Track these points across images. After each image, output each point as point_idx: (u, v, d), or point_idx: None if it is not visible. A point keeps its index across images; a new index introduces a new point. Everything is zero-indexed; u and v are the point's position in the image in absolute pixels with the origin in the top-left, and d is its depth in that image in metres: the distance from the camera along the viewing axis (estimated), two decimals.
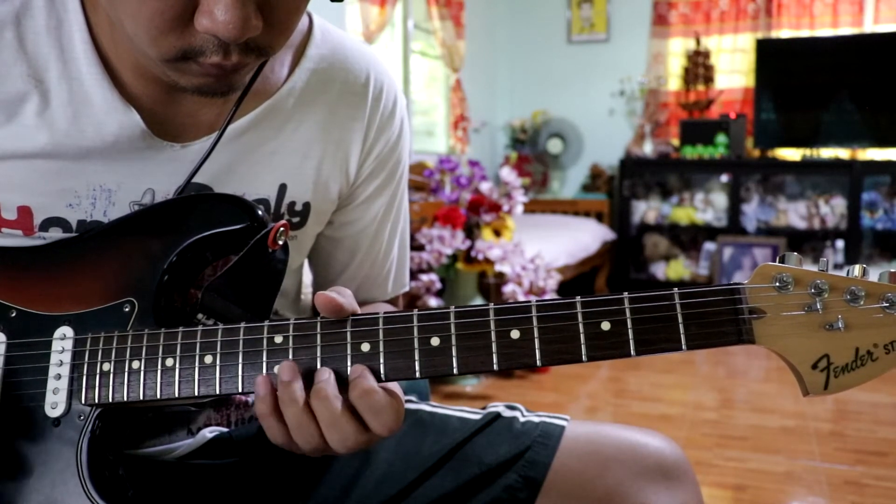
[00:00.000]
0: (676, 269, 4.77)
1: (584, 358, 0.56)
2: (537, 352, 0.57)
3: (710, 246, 4.68)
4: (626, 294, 0.57)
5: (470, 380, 2.99)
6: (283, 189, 0.75)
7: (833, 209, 4.49)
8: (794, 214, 4.57)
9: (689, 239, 4.88)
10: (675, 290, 0.56)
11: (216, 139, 0.69)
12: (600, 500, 0.75)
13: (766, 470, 2.21)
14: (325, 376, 0.58)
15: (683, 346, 0.55)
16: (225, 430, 0.78)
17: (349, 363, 0.59)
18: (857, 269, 0.55)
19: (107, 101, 0.66)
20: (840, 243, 4.39)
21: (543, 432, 0.79)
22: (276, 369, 0.59)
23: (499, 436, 0.81)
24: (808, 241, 4.57)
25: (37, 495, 0.61)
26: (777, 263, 0.56)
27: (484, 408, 0.85)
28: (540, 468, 0.77)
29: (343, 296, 0.60)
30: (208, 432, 0.77)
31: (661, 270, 4.81)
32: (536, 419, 0.82)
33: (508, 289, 2.92)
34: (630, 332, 0.56)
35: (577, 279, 4.26)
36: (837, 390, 0.54)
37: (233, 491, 0.78)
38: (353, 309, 0.60)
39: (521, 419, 0.82)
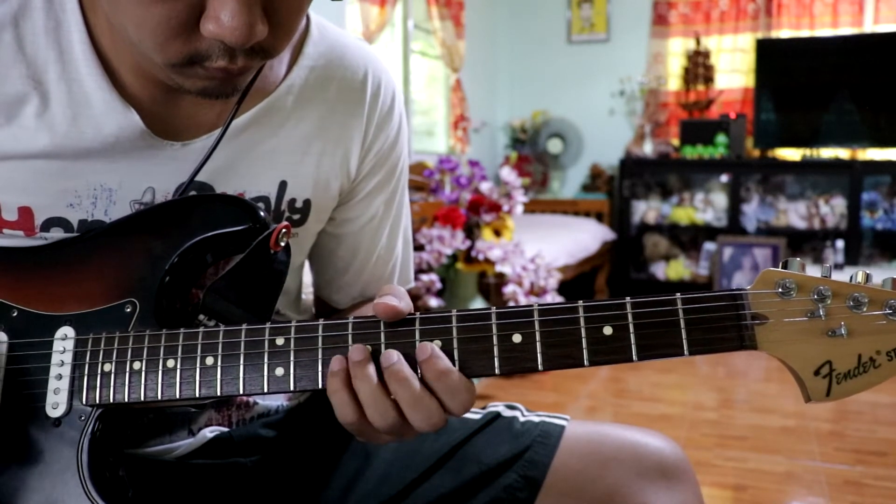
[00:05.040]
0: (676, 269, 4.77)
1: (585, 363, 0.56)
2: (539, 356, 0.57)
3: (710, 246, 4.68)
4: (628, 299, 0.57)
5: None
6: (283, 186, 0.75)
7: (833, 209, 4.48)
8: (794, 214, 4.57)
9: (689, 239, 4.87)
10: (678, 295, 0.56)
11: (219, 137, 0.69)
12: (600, 500, 0.75)
13: (766, 470, 2.21)
14: (395, 358, 0.57)
15: (686, 352, 0.55)
16: (225, 429, 0.78)
17: None
18: (860, 276, 0.55)
19: (106, 101, 0.66)
20: (840, 243, 4.39)
21: (543, 432, 0.79)
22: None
23: (499, 435, 0.81)
24: (808, 241, 4.56)
25: (37, 495, 0.61)
26: (780, 269, 0.56)
27: (484, 408, 0.85)
28: (540, 468, 0.77)
29: (399, 298, 0.59)
30: (209, 432, 0.77)
31: (661, 270, 4.81)
32: (536, 419, 0.82)
33: (509, 289, 2.92)
34: (632, 336, 0.56)
35: (578, 279, 4.26)
36: (840, 397, 0.54)
37: (233, 491, 0.78)
38: (409, 309, 0.60)
39: (521, 419, 0.82)
